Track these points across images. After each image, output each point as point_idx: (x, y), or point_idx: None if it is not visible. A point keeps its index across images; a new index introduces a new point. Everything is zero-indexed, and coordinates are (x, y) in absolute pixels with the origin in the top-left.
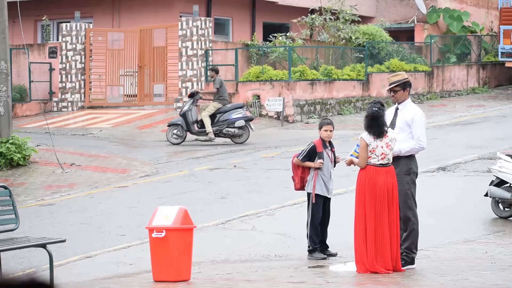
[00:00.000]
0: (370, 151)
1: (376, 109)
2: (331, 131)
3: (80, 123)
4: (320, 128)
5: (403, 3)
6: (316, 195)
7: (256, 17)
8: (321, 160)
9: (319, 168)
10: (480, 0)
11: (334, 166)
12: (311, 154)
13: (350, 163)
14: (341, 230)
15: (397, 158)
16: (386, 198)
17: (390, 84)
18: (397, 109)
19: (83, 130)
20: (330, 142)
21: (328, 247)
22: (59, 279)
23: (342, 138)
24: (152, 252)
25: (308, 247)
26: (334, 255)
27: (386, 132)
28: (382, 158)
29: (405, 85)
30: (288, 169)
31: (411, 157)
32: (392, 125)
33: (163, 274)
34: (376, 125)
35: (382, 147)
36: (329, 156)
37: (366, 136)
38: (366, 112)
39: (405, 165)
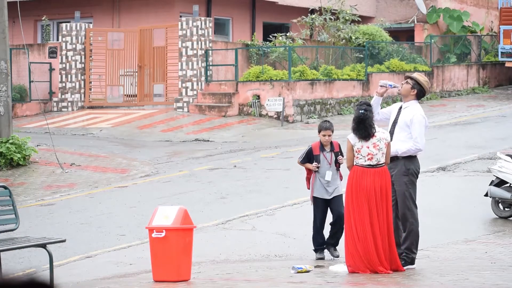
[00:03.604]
0: (356, 151)
1: (363, 111)
2: (329, 135)
3: (80, 123)
4: (319, 131)
5: (403, 3)
6: (316, 197)
7: (256, 17)
8: (316, 164)
9: (317, 171)
10: (480, 0)
11: (338, 168)
12: (309, 156)
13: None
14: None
15: (395, 159)
16: (373, 199)
17: (408, 75)
18: (401, 107)
19: (83, 130)
20: (332, 144)
21: (334, 248)
22: (59, 279)
23: (342, 138)
24: (152, 252)
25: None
26: (336, 256)
27: (374, 133)
28: (369, 159)
29: (416, 85)
30: (288, 169)
31: (410, 158)
32: (394, 124)
33: (163, 274)
34: (362, 128)
35: (368, 147)
36: (326, 159)
37: (351, 137)
38: (354, 114)
39: (403, 165)
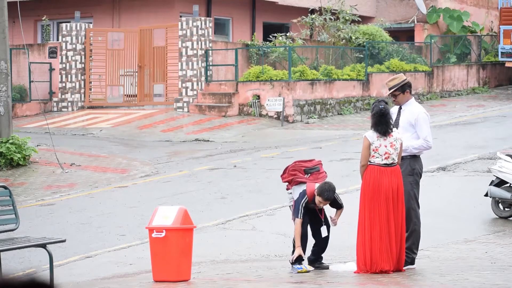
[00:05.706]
0: (373, 150)
1: (383, 106)
2: (325, 204)
3: (80, 123)
4: (318, 194)
5: (403, 3)
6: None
7: (256, 17)
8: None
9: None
10: (480, 0)
11: (325, 224)
12: (307, 206)
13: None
14: (341, 230)
15: (401, 158)
16: (391, 198)
17: (390, 89)
18: (400, 108)
19: (83, 130)
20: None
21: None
22: (59, 279)
23: (342, 138)
24: (152, 252)
25: None
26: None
27: (392, 131)
28: (386, 158)
29: (403, 87)
30: None
31: (415, 158)
32: (396, 124)
33: (163, 274)
34: (383, 123)
35: (385, 146)
36: (317, 210)
37: (370, 135)
38: (373, 110)
39: (408, 165)
